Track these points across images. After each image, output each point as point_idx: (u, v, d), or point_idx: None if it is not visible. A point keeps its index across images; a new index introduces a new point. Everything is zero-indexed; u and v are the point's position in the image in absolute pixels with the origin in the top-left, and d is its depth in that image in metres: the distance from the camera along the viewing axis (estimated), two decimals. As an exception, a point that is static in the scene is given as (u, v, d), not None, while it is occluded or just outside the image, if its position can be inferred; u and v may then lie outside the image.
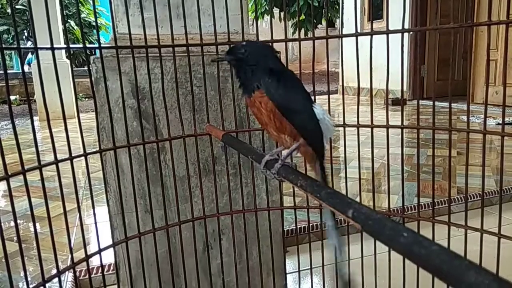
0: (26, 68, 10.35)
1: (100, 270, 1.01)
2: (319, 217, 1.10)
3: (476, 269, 0.29)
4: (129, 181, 1.04)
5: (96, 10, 0.92)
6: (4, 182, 0.70)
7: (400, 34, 0.92)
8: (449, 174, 1.01)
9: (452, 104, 0.94)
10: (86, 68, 0.90)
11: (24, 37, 10.25)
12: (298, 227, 1.75)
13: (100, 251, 0.90)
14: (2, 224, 0.69)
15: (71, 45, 0.84)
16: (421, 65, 6.28)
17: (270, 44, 1.03)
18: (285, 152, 0.69)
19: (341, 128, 1.05)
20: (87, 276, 0.91)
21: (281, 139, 0.69)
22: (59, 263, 0.82)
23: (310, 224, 1.21)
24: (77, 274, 1.53)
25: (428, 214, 1.87)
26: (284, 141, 0.69)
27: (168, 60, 1.05)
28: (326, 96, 1.07)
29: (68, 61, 5.89)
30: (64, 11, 9.75)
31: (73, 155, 0.82)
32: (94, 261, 1.56)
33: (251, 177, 1.11)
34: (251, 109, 0.69)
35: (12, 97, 8.51)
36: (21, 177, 0.73)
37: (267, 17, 9.16)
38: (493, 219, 0.93)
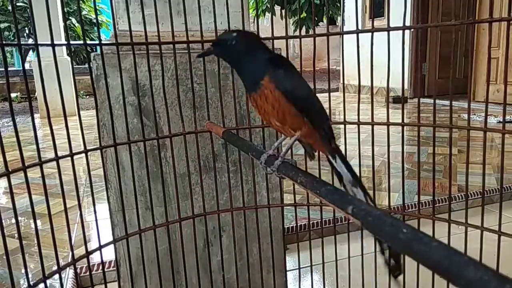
0: (26, 65, 10.36)
1: (100, 267, 1.01)
2: (320, 215, 1.10)
3: (476, 265, 0.29)
4: (129, 178, 1.04)
5: (97, 7, 0.92)
6: (5, 178, 0.70)
7: (401, 32, 0.92)
8: (449, 172, 1.01)
9: (453, 102, 0.94)
10: (86, 65, 0.90)
11: (25, 34, 10.25)
12: (298, 224, 1.75)
13: (100, 247, 0.90)
14: (3, 220, 0.70)
15: (71, 42, 0.84)
16: (422, 63, 6.28)
17: (270, 41, 1.04)
18: (284, 149, 0.68)
19: (342, 126, 1.05)
20: (87, 273, 0.91)
21: (284, 130, 0.69)
22: (60, 260, 0.82)
23: (311, 222, 1.21)
24: (78, 270, 1.54)
25: (429, 212, 1.87)
26: (288, 131, 0.69)
27: (169, 57, 1.05)
28: (327, 94, 1.07)
29: (69, 58, 5.88)
30: (65, 8, 9.75)
31: (73, 152, 0.82)
32: (95, 258, 1.57)
33: (252, 174, 1.11)
34: (255, 101, 0.67)
35: (13, 95, 8.52)
36: (21, 174, 0.73)
37: (268, 15, 9.15)
38: (494, 217, 0.93)
